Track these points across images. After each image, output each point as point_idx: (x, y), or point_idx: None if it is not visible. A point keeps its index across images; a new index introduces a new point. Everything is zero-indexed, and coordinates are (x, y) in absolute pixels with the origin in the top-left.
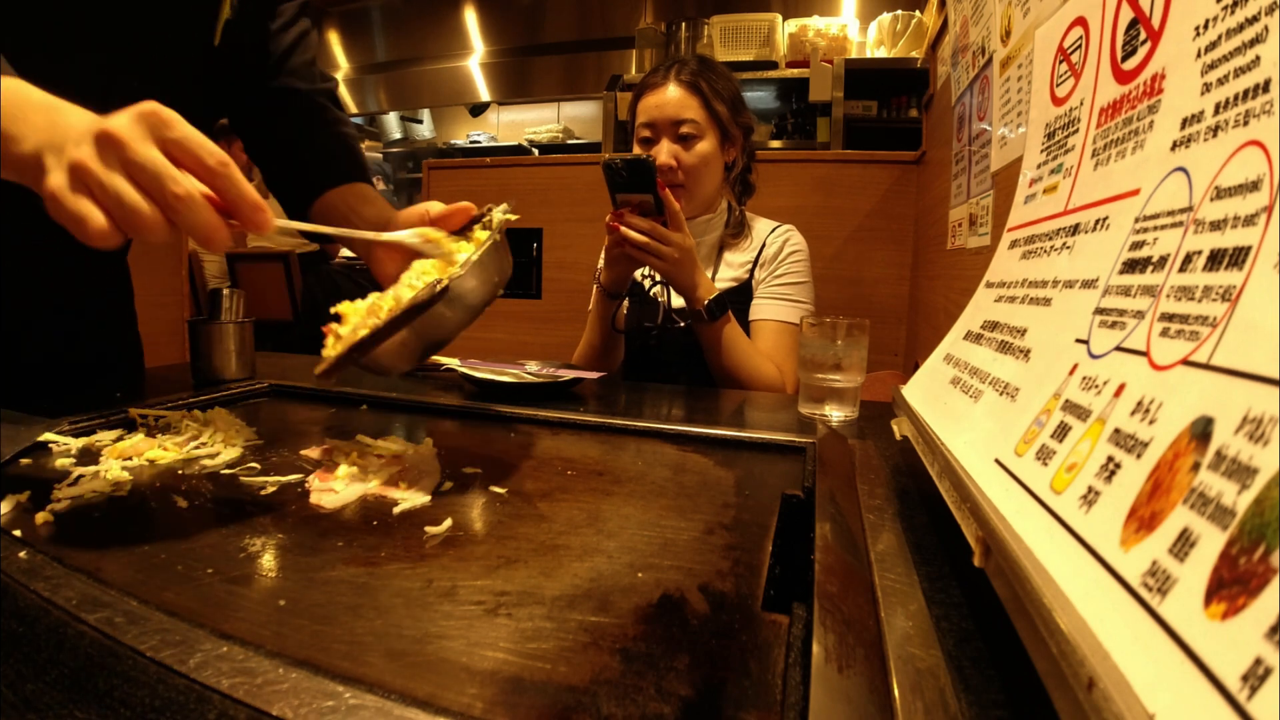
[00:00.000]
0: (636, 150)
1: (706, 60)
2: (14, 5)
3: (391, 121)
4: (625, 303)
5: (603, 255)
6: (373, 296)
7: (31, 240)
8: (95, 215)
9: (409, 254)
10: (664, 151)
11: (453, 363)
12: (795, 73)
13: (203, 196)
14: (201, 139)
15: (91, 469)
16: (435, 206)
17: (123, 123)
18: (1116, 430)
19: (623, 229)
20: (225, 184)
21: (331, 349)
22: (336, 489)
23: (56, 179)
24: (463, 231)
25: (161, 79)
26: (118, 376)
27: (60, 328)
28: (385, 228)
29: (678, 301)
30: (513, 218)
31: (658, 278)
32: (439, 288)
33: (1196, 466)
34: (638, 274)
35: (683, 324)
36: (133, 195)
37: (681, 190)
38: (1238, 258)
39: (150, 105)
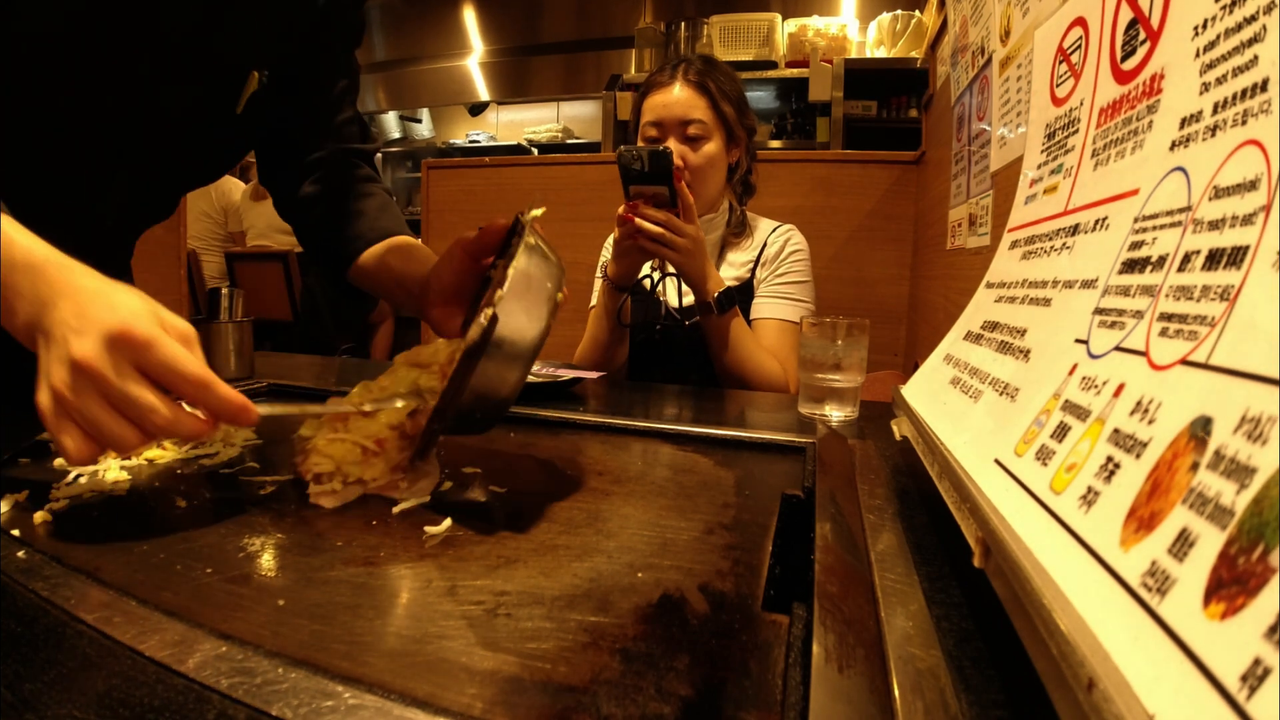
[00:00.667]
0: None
1: (712, 60)
2: (33, 65)
3: (390, 121)
4: (629, 297)
5: (607, 249)
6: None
7: None
8: (74, 445)
9: (466, 305)
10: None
11: None
12: (795, 73)
13: (184, 411)
14: (179, 358)
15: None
16: (465, 240)
17: (95, 354)
18: (1116, 430)
19: (637, 220)
20: (208, 399)
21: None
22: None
23: (42, 398)
24: (503, 250)
25: (178, 142)
26: None
27: None
28: (428, 283)
29: (679, 300)
30: (538, 212)
31: (657, 277)
32: (485, 320)
33: (1195, 466)
34: (645, 268)
35: (687, 323)
36: (112, 427)
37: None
38: (1236, 257)
39: (124, 327)
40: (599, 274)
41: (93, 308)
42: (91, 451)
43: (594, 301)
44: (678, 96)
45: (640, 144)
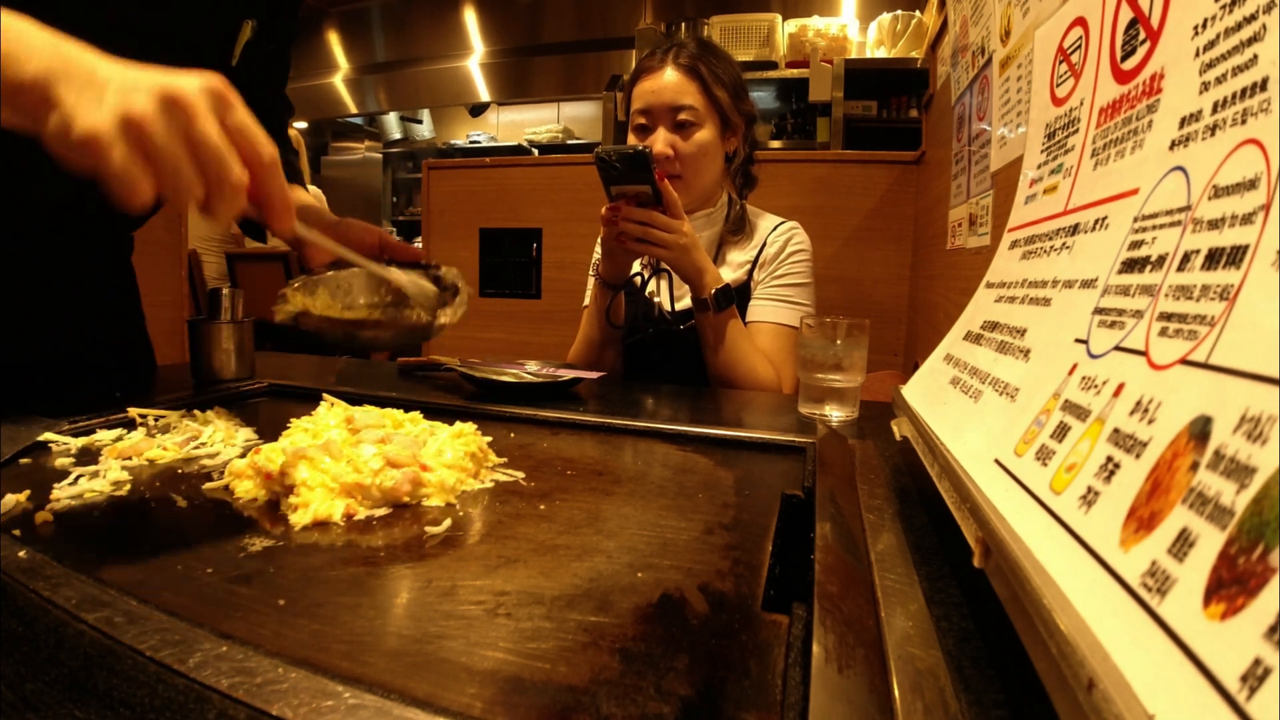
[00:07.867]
0: (631, 139)
1: (706, 43)
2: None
3: (391, 121)
4: (622, 295)
5: (598, 246)
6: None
7: (34, 238)
8: (145, 183)
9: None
10: (660, 140)
11: (453, 362)
12: (795, 73)
13: (244, 185)
14: (258, 129)
15: (91, 469)
16: (388, 236)
17: (194, 91)
18: (1116, 430)
19: (620, 222)
20: (270, 180)
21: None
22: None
23: (94, 120)
24: (401, 265)
25: None
26: (127, 375)
27: (68, 328)
28: (333, 231)
29: (672, 304)
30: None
31: (647, 274)
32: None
33: (1195, 466)
34: (635, 265)
35: (681, 327)
36: (189, 173)
37: (679, 181)
38: (1235, 256)
39: (216, 80)
40: (591, 272)
41: (152, 74)
42: (145, 192)
43: (587, 301)
44: (667, 82)
45: (630, 134)
